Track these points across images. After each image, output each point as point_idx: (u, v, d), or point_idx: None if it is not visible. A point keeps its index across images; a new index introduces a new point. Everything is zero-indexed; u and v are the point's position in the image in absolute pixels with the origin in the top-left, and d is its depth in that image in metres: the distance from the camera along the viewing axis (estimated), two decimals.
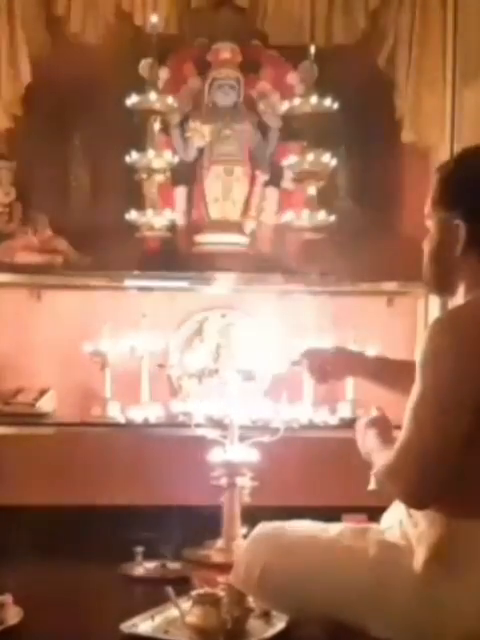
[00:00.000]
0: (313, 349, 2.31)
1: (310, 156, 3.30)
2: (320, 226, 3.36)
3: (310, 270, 3.32)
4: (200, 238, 3.42)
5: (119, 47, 3.40)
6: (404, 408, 1.68)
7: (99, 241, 3.31)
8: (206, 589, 2.12)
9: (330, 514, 2.14)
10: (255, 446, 2.77)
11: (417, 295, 3.37)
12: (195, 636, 2.03)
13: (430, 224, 1.82)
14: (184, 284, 3.34)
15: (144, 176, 3.32)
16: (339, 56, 3.36)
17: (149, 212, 3.31)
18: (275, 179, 3.50)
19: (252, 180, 3.46)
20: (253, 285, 3.36)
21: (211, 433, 2.83)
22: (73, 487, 2.96)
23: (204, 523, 2.76)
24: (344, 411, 3.19)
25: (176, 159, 3.36)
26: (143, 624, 2.14)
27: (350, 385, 3.18)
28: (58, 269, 3.30)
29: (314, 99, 3.29)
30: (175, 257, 3.37)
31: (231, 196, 3.42)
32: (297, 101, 3.33)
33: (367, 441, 1.87)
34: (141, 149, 3.28)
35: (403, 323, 3.38)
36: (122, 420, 3.13)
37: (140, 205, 3.34)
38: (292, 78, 3.44)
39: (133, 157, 3.27)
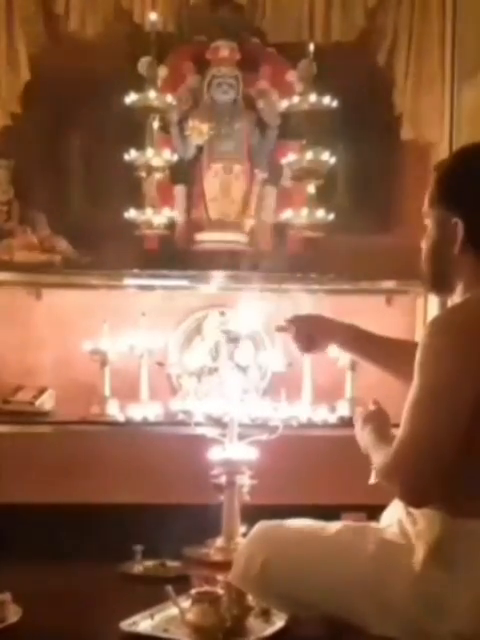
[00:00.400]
0: (299, 315, 2.26)
1: (309, 154, 3.30)
2: (319, 224, 3.36)
3: (309, 268, 3.31)
4: (199, 236, 3.42)
5: (118, 45, 3.41)
6: (402, 403, 1.68)
7: (98, 240, 3.32)
8: (205, 588, 2.12)
9: (329, 512, 2.14)
10: (254, 444, 2.77)
11: (416, 294, 3.37)
12: (194, 634, 2.04)
13: (428, 222, 1.82)
14: (183, 282, 3.34)
15: (143, 174, 3.32)
16: (338, 54, 3.37)
17: (148, 210, 3.31)
18: (274, 177, 3.50)
19: (251, 178, 3.46)
20: (252, 283, 3.36)
21: (210, 431, 2.82)
22: (72, 485, 2.95)
23: (203, 521, 2.75)
24: (343, 409, 3.18)
25: (175, 157, 3.37)
26: (143, 622, 2.15)
27: (349, 384, 3.18)
28: (57, 268, 3.30)
29: (313, 97, 3.30)
30: (174, 255, 3.37)
31: (230, 194, 3.42)
32: (296, 99, 3.34)
33: (365, 436, 1.87)
34: (140, 147, 3.29)
35: (402, 322, 3.38)
36: (121, 418, 3.13)
37: (139, 203, 3.34)
38: (291, 76, 3.44)
39: (132, 155, 3.27)
